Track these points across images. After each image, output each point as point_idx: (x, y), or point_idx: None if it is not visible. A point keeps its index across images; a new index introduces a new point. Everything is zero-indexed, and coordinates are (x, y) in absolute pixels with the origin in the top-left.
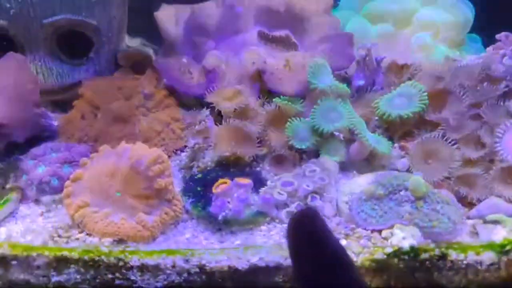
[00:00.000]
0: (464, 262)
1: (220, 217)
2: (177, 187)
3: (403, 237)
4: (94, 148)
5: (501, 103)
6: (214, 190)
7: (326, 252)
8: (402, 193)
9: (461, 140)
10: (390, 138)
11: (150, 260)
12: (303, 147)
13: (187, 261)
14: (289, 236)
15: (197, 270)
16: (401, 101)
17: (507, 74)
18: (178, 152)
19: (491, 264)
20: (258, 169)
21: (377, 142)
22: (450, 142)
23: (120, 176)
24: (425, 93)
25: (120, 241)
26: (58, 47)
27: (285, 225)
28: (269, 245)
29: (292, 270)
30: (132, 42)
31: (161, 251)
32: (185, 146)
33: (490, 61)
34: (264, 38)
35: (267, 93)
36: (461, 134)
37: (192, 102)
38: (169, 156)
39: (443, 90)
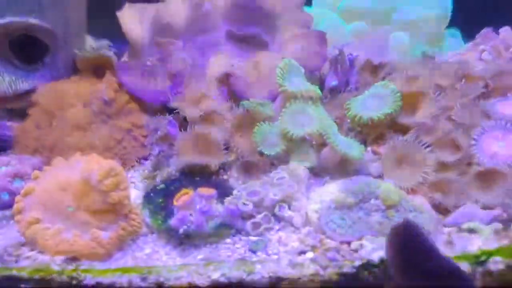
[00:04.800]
0: None
1: (181, 231)
2: (139, 198)
3: (373, 248)
4: (49, 160)
5: (478, 103)
6: (175, 202)
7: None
8: (372, 201)
9: (435, 143)
10: (363, 142)
11: (105, 279)
12: (272, 153)
13: (144, 279)
14: (395, 249)
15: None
16: (374, 102)
17: (487, 73)
18: (142, 160)
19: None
20: (225, 177)
21: (349, 146)
22: (424, 145)
23: (72, 190)
24: (398, 94)
25: (73, 259)
26: (11, 52)
27: (251, 237)
28: (231, 260)
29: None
30: (95, 44)
31: (116, 269)
32: (150, 154)
33: (469, 59)
34: (234, 37)
35: (235, 97)
36: (435, 137)
37: (158, 107)
38: (132, 166)
39: (417, 91)
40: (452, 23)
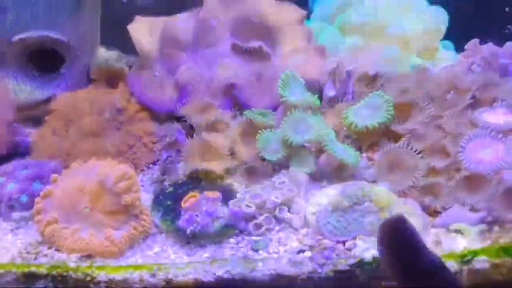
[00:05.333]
0: None
1: (188, 231)
2: (148, 201)
3: (366, 248)
4: (66, 164)
5: (466, 113)
6: (182, 205)
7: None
8: (366, 204)
9: (426, 149)
10: (359, 149)
11: (117, 275)
12: (274, 159)
13: (153, 275)
14: (384, 243)
15: (164, 284)
16: (368, 111)
17: (473, 85)
18: (151, 165)
19: (455, 273)
20: (229, 181)
21: (345, 153)
22: (415, 152)
23: (89, 192)
24: (391, 104)
25: (88, 256)
26: (30, 62)
27: (253, 237)
28: (235, 258)
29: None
30: (108, 55)
31: (127, 266)
32: (158, 160)
33: (457, 71)
34: (238, 50)
35: (239, 106)
36: (425, 144)
37: (166, 115)
38: (141, 170)
39: (409, 101)
40: (448, 36)
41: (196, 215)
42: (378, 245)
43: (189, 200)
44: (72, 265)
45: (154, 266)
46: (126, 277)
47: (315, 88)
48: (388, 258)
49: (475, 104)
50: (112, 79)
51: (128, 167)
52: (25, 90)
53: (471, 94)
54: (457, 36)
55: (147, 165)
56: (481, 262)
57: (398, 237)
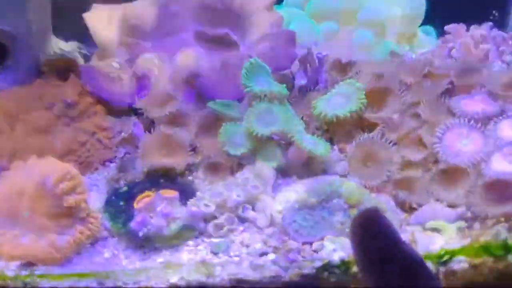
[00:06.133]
0: None
1: (140, 234)
2: (102, 202)
3: (333, 249)
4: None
5: (443, 101)
6: (135, 205)
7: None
8: (335, 201)
9: (401, 140)
10: (331, 140)
11: (61, 284)
12: (238, 153)
13: (101, 283)
14: (356, 235)
15: None
16: (339, 100)
17: (450, 70)
18: (107, 163)
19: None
20: (191, 178)
21: (315, 144)
22: (389, 143)
23: (29, 195)
24: (363, 91)
25: (29, 264)
26: None
27: (213, 239)
28: (191, 263)
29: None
30: (65, 47)
31: (72, 274)
32: (115, 157)
33: (434, 56)
34: (202, 38)
35: (202, 97)
36: (401, 134)
37: (125, 109)
38: (96, 169)
39: (383, 88)
40: (429, 21)
41: (150, 216)
42: (350, 241)
43: (143, 200)
44: (10, 273)
45: (101, 273)
46: (71, 285)
47: (288, 78)
48: (361, 254)
49: (453, 91)
50: (64, 72)
51: (71, 166)
52: None
53: (448, 80)
54: (440, 22)
55: (102, 163)
56: (460, 263)
57: (372, 231)
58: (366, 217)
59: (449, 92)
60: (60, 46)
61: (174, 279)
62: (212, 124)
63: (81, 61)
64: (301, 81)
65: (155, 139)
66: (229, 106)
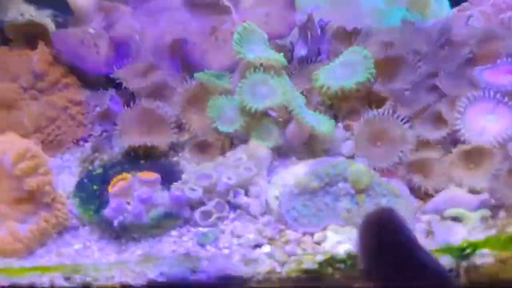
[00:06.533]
0: None
1: (115, 223)
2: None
3: (338, 241)
4: None
5: (463, 72)
6: (110, 189)
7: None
8: (340, 185)
9: (415, 117)
10: (335, 117)
11: (22, 279)
12: (230, 130)
13: (68, 279)
14: (366, 238)
15: None
16: (344, 71)
17: (471, 38)
18: (81, 142)
19: (449, 271)
20: (175, 159)
21: (318, 121)
22: (402, 120)
23: None
24: (371, 61)
25: None
26: None
27: (200, 229)
28: (173, 256)
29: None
30: (37, 13)
31: (34, 268)
32: (90, 135)
33: (452, 24)
34: (190, 2)
35: (189, 67)
36: (414, 110)
37: (101, 81)
38: (68, 148)
39: (394, 57)
40: None
41: (127, 202)
42: (358, 244)
43: (118, 183)
44: None
45: (68, 267)
46: (33, 281)
47: (286, 47)
48: (371, 260)
49: (474, 61)
50: (34, 39)
51: (31, 143)
52: None
53: (469, 49)
54: None
55: (75, 141)
56: (484, 257)
57: (384, 235)
58: (380, 219)
59: (470, 62)
60: (30, 12)
61: (153, 275)
62: (200, 97)
63: (53, 28)
64: (300, 51)
65: (135, 114)
66: (219, 77)
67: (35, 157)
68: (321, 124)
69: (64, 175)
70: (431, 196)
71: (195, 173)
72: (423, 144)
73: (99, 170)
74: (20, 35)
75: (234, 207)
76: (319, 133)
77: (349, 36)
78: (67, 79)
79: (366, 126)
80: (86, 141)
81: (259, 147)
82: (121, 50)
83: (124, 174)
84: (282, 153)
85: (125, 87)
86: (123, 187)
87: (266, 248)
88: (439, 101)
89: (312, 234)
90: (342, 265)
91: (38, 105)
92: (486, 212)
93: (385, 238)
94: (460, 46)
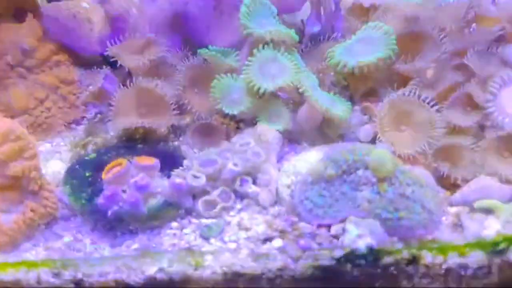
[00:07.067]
0: (444, 266)
1: (109, 213)
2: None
3: (358, 234)
4: None
5: (495, 50)
6: (103, 176)
7: None
8: (360, 172)
9: (441, 99)
10: (351, 99)
11: (6, 275)
12: (235, 112)
13: (57, 275)
14: None
15: (73, 286)
16: (362, 47)
17: (503, 14)
18: (73, 125)
19: (480, 268)
20: (176, 143)
21: (332, 103)
22: (428, 102)
23: None
24: (393, 36)
25: None
26: None
27: (204, 220)
28: (174, 251)
29: None
30: None
31: (20, 263)
32: (83, 118)
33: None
34: None
35: (191, 44)
36: (441, 91)
37: (96, 59)
38: (59, 131)
39: (418, 34)
40: None
41: (123, 190)
42: None
43: (113, 169)
44: None
45: (57, 262)
46: (18, 277)
47: (298, 23)
48: None
49: (506, 38)
50: (22, 13)
51: (16, 123)
52: None
53: (500, 26)
54: None
55: (67, 124)
56: None
57: None
58: None
59: (502, 39)
60: None
61: (151, 271)
62: (203, 76)
63: (43, 1)
64: (313, 28)
65: (132, 94)
66: (225, 54)
67: (20, 139)
68: (336, 106)
69: (54, 161)
70: (460, 186)
71: (197, 159)
72: (450, 128)
73: (92, 155)
74: (6, 9)
75: (241, 196)
76: (333, 116)
77: (366, 12)
78: (58, 56)
79: (389, 107)
80: (78, 124)
81: (268, 131)
82: (117, 26)
83: (120, 159)
84: (292, 138)
85: (121, 65)
86: (118, 173)
87: (278, 242)
88: (468, 81)
89: (328, 227)
90: (363, 262)
91: (26, 84)
92: None
93: None
94: (490, 23)
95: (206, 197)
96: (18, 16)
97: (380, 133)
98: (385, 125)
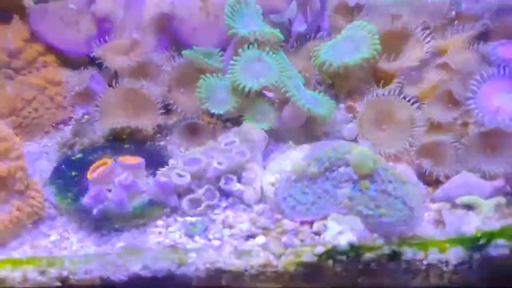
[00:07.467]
0: (424, 262)
1: (95, 212)
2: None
3: (340, 231)
4: None
5: (476, 47)
6: (89, 175)
7: None
8: (342, 170)
9: (425, 97)
10: (336, 97)
11: None
12: (221, 111)
13: (43, 273)
14: None
15: (59, 284)
16: (347, 47)
17: (484, 12)
18: (61, 125)
19: (461, 264)
20: (163, 143)
21: (316, 102)
22: (409, 100)
23: None
24: (377, 36)
25: None
26: None
27: (189, 218)
28: (158, 248)
29: None
30: None
31: (5, 260)
32: (71, 118)
33: None
34: None
35: (177, 44)
36: (423, 89)
37: (83, 60)
38: (46, 132)
39: (401, 32)
40: None
41: (108, 190)
42: None
43: (98, 169)
44: None
45: (42, 260)
46: (4, 275)
47: (283, 23)
48: None
49: (487, 35)
50: (8, 13)
51: (1, 124)
52: None
53: (482, 23)
54: None
55: (54, 125)
56: (499, 248)
57: None
58: None
59: (483, 36)
60: None
61: (135, 268)
62: (189, 76)
63: (30, 2)
64: (299, 27)
65: (118, 94)
66: (210, 55)
67: (5, 140)
68: (320, 105)
69: (41, 162)
70: (442, 182)
71: (183, 158)
72: (432, 126)
73: (79, 155)
74: None
75: (225, 194)
76: (316, 116)
77: (351, 11)
78: (45, 58)
79: (370, 107)
80: (66, 124)
81: (253, 130)
82: (104, 26)
83: (105, 159)
84: (278, 137)
85: (106, 66)
86: (103, 172)
87: (261, 239)
88: (450, 78)
89: (311, 224)
90: (344, 257)
91: (13, 85)
92: (501, 200)
93: None
94: (472, 20)
95: (191, 196)
96: (5, 17)
97: (359, 133)
98: (365, 125)
